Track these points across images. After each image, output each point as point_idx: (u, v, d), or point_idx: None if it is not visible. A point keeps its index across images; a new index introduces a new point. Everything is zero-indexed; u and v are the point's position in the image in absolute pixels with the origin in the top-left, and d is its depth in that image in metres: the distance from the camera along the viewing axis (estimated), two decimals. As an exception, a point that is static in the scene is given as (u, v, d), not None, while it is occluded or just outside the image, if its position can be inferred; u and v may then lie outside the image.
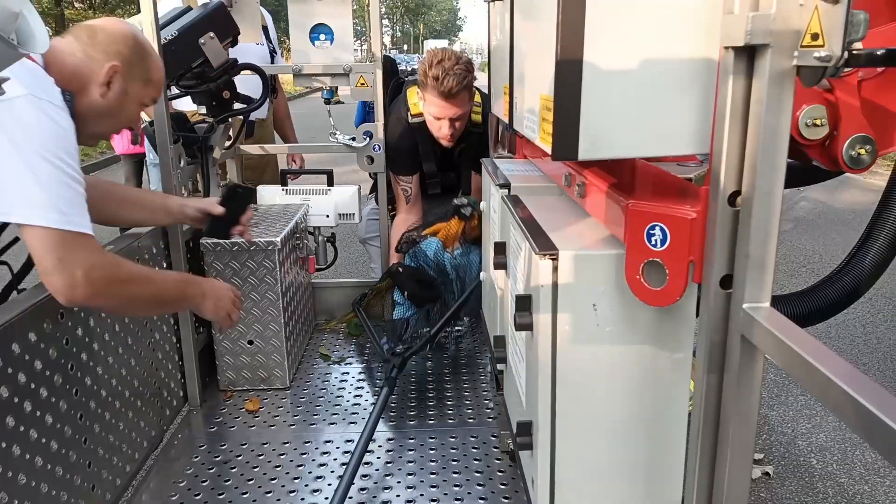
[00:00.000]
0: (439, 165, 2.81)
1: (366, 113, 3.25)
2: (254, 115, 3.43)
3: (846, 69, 0.94)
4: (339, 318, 2.88)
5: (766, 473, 2.82)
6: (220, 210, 1.91)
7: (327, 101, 2.75)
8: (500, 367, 1.66)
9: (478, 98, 2.69)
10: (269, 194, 2.81)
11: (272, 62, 3.22)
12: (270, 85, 3.51)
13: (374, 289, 2.73)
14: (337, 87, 2.78)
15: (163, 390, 2.06)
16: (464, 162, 2.78)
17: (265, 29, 3.56)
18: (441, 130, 2.58)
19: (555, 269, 1.16)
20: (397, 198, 2.86)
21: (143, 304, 1.54)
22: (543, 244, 1.19)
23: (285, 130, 3.73)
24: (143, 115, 4.69)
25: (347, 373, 2.44)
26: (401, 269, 2.55)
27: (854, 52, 0.83)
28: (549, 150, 1.10)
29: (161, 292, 1.57)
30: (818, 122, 1.27)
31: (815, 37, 0.85)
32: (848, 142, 1.28)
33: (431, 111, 2.55)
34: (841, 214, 6.83)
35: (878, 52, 0.84)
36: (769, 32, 0.87)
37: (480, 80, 2.80)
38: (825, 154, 1.34)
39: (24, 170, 1.25)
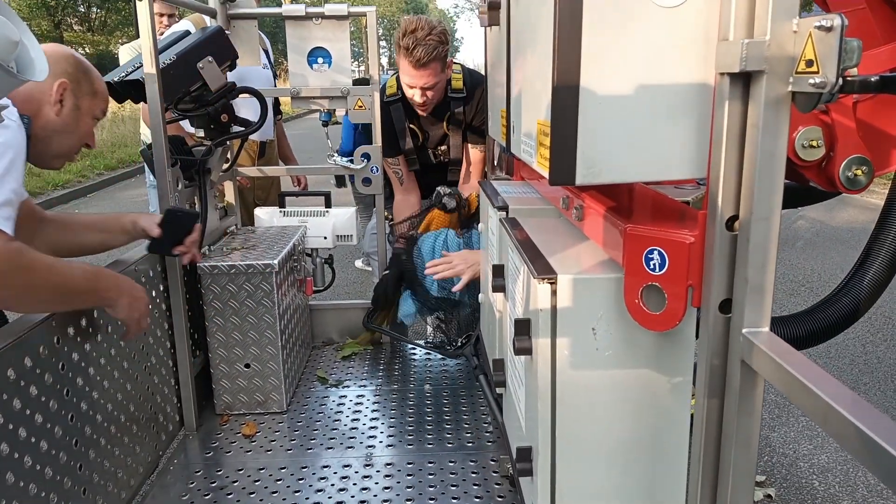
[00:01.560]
0: (425, 141, 2.84)
1: (357, 134, 3.27)
2: (263, 137, 3.50)
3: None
4: (356, 340, 2.85)
5: (769, 496, 2.80)
6: (157, 232, 1.93)
7: (325, 124, 2.76)
8: (499, 390, 1.65)
9: (458, 67, 2.75)
10: (266, 216, 2.82)
11: (274, 85, 3.24)
12: (275, 107, 3.59)
13: (381, 305, 2.72)
14: (335, 110, 2.80)
15: (159, 415, 2.04)
16: (453, 134, 2.80)
17: (266, 52, 3.61)
18: (414, 98, 2.65)
19: (553, 292, 1.16)
20: (392, 181, 2.89)
21: (46, 294, 1.44)
22: (542, 268, 1.19)
23: (284, 151, 3.79)
24: (143, 137, 4.72)
25: (345, 396, 2.43)
26: (404, 258, 2.60)
27: (848, 78, 0.84)
28: (546, 174, 1.10)
29: (66, 283, 1.48)
30: (814, 143, 1.27)
31: (809, 63, 0.85)
32: (844, 163, 1.29)
33: (404, 80, 2.62)
34: (839, 233, 6.85)
35: (872, 79, 0.85)
36: (764, 59, 0.88)
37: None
38: (822, 175, 1.34)
39: None
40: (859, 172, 1.30)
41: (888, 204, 1.36)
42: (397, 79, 2.74)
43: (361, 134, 2.98)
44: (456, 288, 2.35)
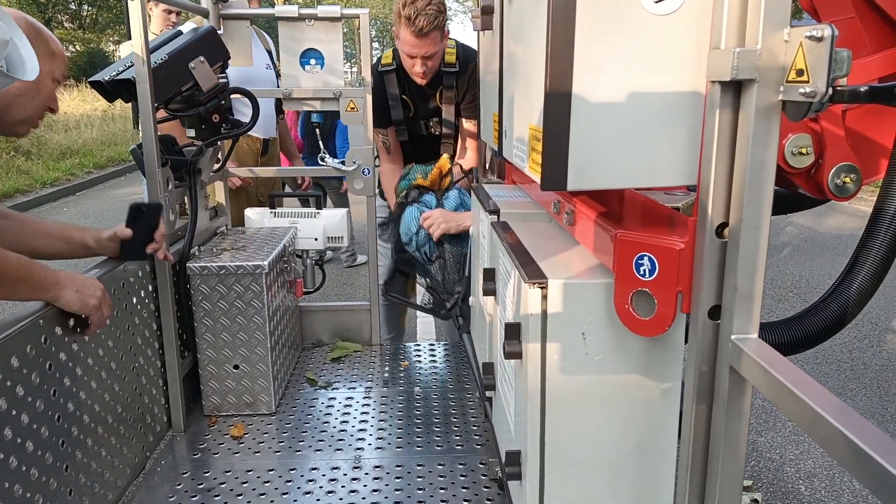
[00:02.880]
0: (417, 113, 2.90)
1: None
2: (266, 134, 3.53)
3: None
4: (346, 342, 2.86)
5: (755, 501, 2.81)
6: (127, 233, 1.90)
7: (317, 125, 2.75)
8: (488, 394, 1.65)
9: (452, 42, 2.80)
10: (257, 217, 2.81)
11: (278, 85, 3.25)
12: (278, 106, 3.62)
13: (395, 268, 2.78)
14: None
15: (146, 415, 2.03)
16: (445, 106, 2.86)
17: (269, 53, 3.62)
18: (414, 68, 2.69)
19: (544, 297, 1.16)
20: (379, 150, 2.94)
21: None
22: (533, 272, 1.19)
23: (288, 147, 3.86)
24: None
25: (334, 398, 2.42)
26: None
27: (838, 88, 0.84)
28: (538, 179, 1.11)
29: None
30: (803, 150, 1.28)
31: (800, 73, 0.86)
32: (833, 170, 1.30)
33: (404, 49, 2.64)
34: (827, 239, 6.90)
35: (862, 90, 0.86)
36: (755, 68, 0.89)
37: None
38: (811, 182, 1.35)
39: None
40: (848, 180, 1.31)
41: (876, 212, 1.37)
42: (394, 51, 2.79)
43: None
44: (433, 234, 2.47)
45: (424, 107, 2.90)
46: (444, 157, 2.73)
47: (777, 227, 7.08)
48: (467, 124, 2.88)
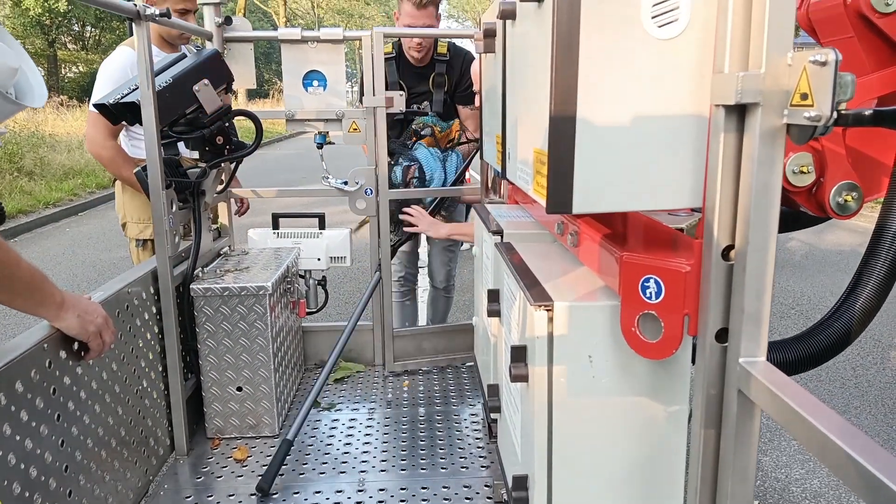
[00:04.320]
0: (410, 95, 3.29)
1: None
2: None
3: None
4: (349, 363, 2.87)
5: (762, 521, 2.78)
6: None
7: (320, 146, 2.76)
8: (493, 416, 1.65)
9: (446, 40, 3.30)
10: (260, 237, 2.81)
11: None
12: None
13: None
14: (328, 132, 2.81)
15: (149, 439, 2.02)
16: (436, 91, 3.33)
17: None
18: (412, 41, 3.15)
19: (550, 319, 1.16)
20: None
21: None
22: (538, 295, 1.19)
23: None
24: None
25: (337, 419, 2.41)
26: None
27: (842, 112, 0.85)
28: (543, 202, 1.11)
29: (10, 265, 1.35)
30: (805, 169, 1.29)
31: (804, 96, 0.86)
32: (835, 188, 1.30)
33: (405, 22, 3.09)
34: (828, 256, 6.89)
35: (866, 113, 0.86)
36: (759, 92, 0.89)
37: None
38: (812, 200, 1.36)
39: None
40: (849, 198, 1.31)
41: (878, 230, 1.38)
42: (393, 43, 3.25)
43: None
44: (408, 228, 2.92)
45: (417, 89, 3.34)
46: (456, 121, 3.24)
47: (778, 244, 7.04)
48: (463, 110, 3.33)
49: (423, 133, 3.15)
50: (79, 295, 1.61)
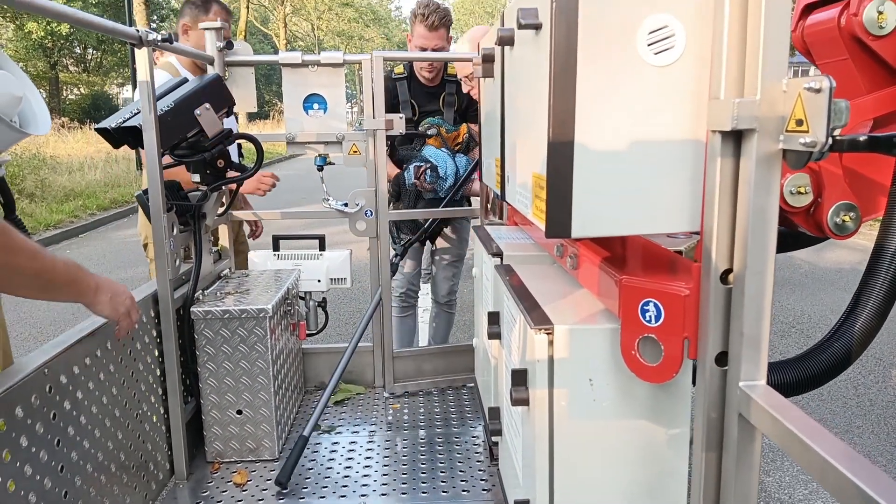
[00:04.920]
0: (420, 114, 3.40)
1: None
2: None
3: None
4: (349, 385, 2.83)
5: (765, 543, 2.76)
6: None
7: (320, 168, 2.78)
8: (495, 438, 1.64)
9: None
10: (260, 259, 2.82)
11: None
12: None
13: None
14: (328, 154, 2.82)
15: (149, 463, 2.01)
16: (446, 110, 3.40)
17: None
18: (423, 66, 3.25)
19: (550, 343, 1.16)
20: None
21: (26, 279, 1.42)
22: (539, 318, 1.20)
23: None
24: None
25: (337, 442, 2.40)
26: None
27: (837, 137, 0.86)
28: (542, 226, 1.12)
29: (48, 271, 1.45)
30: (802, 189, 1.30)
31: (799, 122, 0.88)
32: (832, 209, 1.31)
33: (418, 43, 3.20)
34: (828, 274, 6.89)
35: (861, 139, 0.87)
36: (755, 118, 0.91)
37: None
38: (810, 221, 1.36)
39: None
40: (847, 218, 1.32)
41: (877, 249, 1.38)
42: (405, 65, 3.37)
43: None
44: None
45: (427, 109, 3.41)
46: (464, 126, 3.35)
47: (777, 263, 7.06)
48: (475, 127, 3.36)
49: (429, 133, 3.30)
50: (107, 278, 1.69)
